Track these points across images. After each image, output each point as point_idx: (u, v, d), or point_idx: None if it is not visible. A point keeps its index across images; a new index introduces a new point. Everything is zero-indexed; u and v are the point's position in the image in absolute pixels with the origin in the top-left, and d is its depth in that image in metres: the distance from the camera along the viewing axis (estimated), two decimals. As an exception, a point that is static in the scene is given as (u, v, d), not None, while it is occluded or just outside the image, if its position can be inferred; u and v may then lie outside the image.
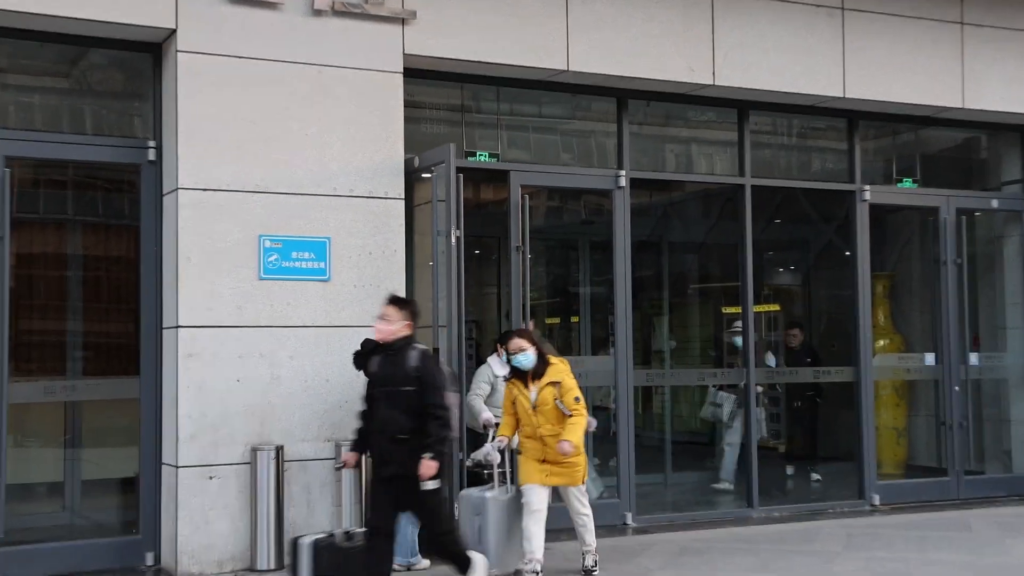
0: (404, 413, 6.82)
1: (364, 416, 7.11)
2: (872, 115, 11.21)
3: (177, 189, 8.00)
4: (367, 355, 8.06)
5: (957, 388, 11.46)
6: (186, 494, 7.88)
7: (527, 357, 7.77)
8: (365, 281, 8.53)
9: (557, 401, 7.69)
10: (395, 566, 7.97)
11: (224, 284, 8.07)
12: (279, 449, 8.04)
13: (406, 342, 6.98)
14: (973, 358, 11.72)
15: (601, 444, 11.04)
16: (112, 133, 8.87)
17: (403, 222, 8.72)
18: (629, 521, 9.84)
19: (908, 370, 12.04)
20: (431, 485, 6.79)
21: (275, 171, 8.28)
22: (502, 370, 8.56)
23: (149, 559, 8.22)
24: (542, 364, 7.81)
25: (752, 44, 10.08)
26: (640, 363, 11.74)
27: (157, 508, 8.22)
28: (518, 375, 7.86)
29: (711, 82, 9.95)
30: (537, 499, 7.71)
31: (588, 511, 8.04)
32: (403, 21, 8.75)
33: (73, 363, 9.76)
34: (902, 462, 12.68)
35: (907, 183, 11.62)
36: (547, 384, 7.75)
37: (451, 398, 7.00)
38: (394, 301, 7.15)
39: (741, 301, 10.72)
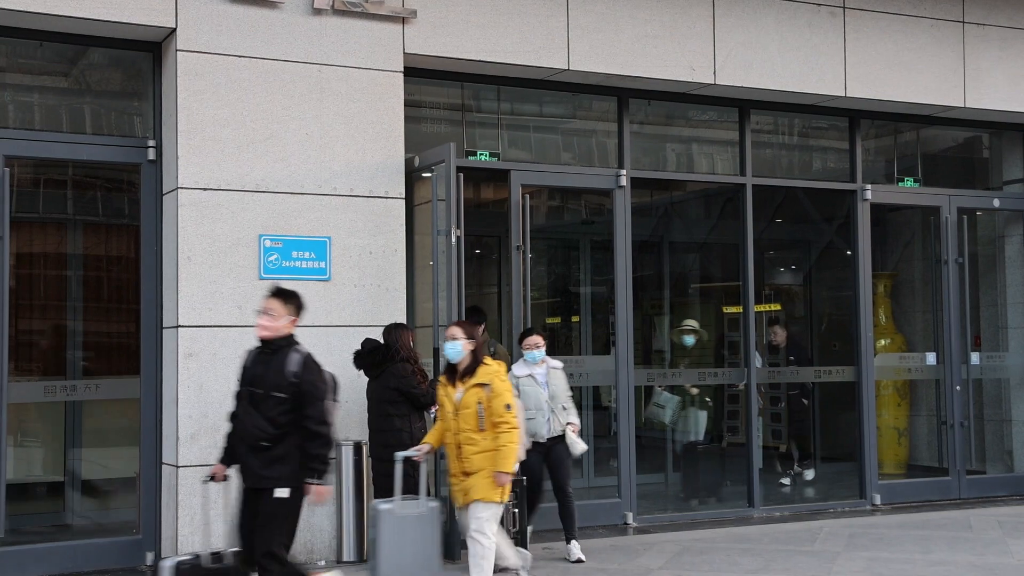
0: (270, 421, 6.06)
1: (233, 418, 6.40)
2: (873, 114, 11.21)
3: (177, 189, 7.99)
4: (368, 355, 8.07)
5: (958, 388, 11.45)
6: (186, 494, 7.86)
7: (454, 347, 6.90)
8: (366, 281, 8.51)
9: (480, 406, 6.77)
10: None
11: (224, 284, 8.06)
12: (279, 449, 8.01)
13: (287, 342, 6.19)
14: (974, 358, 11.72)
15: (602, 444, 11.04)
16: (112, 132, 8.86)
17: (404, 222, 8.71)
18: (630, 521, 9.83)
19: (909, 370, 12.03)
20: (282, 493, 6.06)
21: (275, 170, 8.27)
22: (521, 370, 8.44)
23: (149, 559, 8.21)
24: (474, 362, 6.90)
25: (753, 43, 10.07)
26: (641, 363, 11.73)
27: (157, 508, 8.20)
28: (449, 372, 7.04)
29: (712, 81, 9.94)
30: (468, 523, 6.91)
31: (486, 535, 6.79)
32: (403, 20, 8.74)
33: (73, 363, 9.77)
34: (903, 462, 12.67)
35: (908, 182, 11.60)
36: (474, 385, 6.83)
37: (331, 409, 6.29)
38: (279, 294, 6.28)
39: (742, 301, 10.71)
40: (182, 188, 7.99)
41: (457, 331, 6.96)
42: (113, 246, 10.42)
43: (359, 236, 8.51)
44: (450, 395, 6.96)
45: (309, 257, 8.34)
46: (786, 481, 12.22)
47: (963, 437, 11.42)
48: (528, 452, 8.39)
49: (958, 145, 12.58)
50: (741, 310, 10.83)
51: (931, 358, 11.68)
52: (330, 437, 6.14)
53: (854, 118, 11.13)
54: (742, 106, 10.62)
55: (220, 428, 7.92)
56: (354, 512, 8.31)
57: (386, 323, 8.31)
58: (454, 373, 6.97)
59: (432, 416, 8.35)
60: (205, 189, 8.05)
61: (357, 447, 8.32)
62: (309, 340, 8.15)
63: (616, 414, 10.08)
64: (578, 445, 8.48)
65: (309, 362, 6.15)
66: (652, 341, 13.81)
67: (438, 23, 8.88)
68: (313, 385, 6.09)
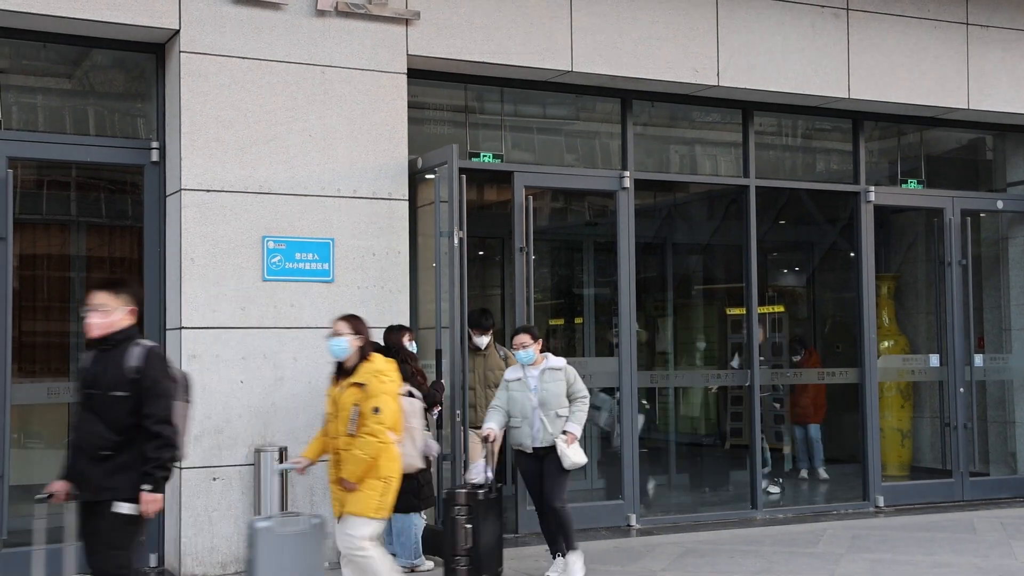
0: (110, 425, 5.33)
1: (74, 427, 5.66)
2: (877, 116, 11.20)
3: (180, 190, 7.99)
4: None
5: (962, 389, 11.44)
6: (190, 495, 7.87)
7: (340, 344, 6.37)
8: (369, 282, 8.52)
9: (355, 408, 6.20)
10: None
11: (227, 285, 8.06)
12: (283, 451, 8.03)
13: (126, 336, 5.47)
14: (978, 359, 11.71)
15: (607, 445, 11.02)
16: (115, 134, 8.87)
17: (407, 223, 8.72)
18: (633, 522, 9.82)
19: (913, 371, 12.02)
20: (125, 508, 5.32)
21: (278, 172, 8.27)
22: (512, 373, 7.95)
23: (152, 560, 8.21)
24: (359, 359, 6.35)
25: (757, 45, 10.06)
26: (644, 364, 11.72)
27: (161, 509, 8.19)
28: (337, 370, 6.50)
29: (715, 83, 9.94)
30: (340, 540, 6.29)
31: (366, 550, 6.20)
32: (407, 22, 8.74)
33: (76, 364, 9.76)
34: (906, 464, 12.67)
35: (912, 184, 11.60)
36: (352, 384, 6.28)
37: (180, 410, 5.51)
38: (107, 286, 5.57)
39: (745, 302, 10.71)
40: (185, 189, 7.99)
41: (343, 326, 6.41)
42: (116, 247, 10.43)
43: (362, 238, 8.51)
44: (332, 395, 6.45)
45: (312, 259, 8.34)
46: (774, 488, 11.71)
47: (966, 439, 11.41)
48: (521, 462, 7.95)
49: (962, 147, 12.57)
50: (744, 312, 10.83)
51: (934, 360, 11.66)
52: (173, 439, 5.40)
53: (857, 119, 11.13)
54: (745, 108, 10.62)
55: (223, 430, 7.98)
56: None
57: (389, 325, 8.32)
58: (341, 372, 6.43)
59: (435, 416, 8.36)
60: (208, 191, 8.05)
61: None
62: (313, 341, 8.23)
63: (619, 416, 10.07)
64: (568, 457, 7.67)
65: (153, 356, 5.45)
66: (655, 343, 13.81)
67: (441, 25, 8.88)
68: (155, 381, 5.37)
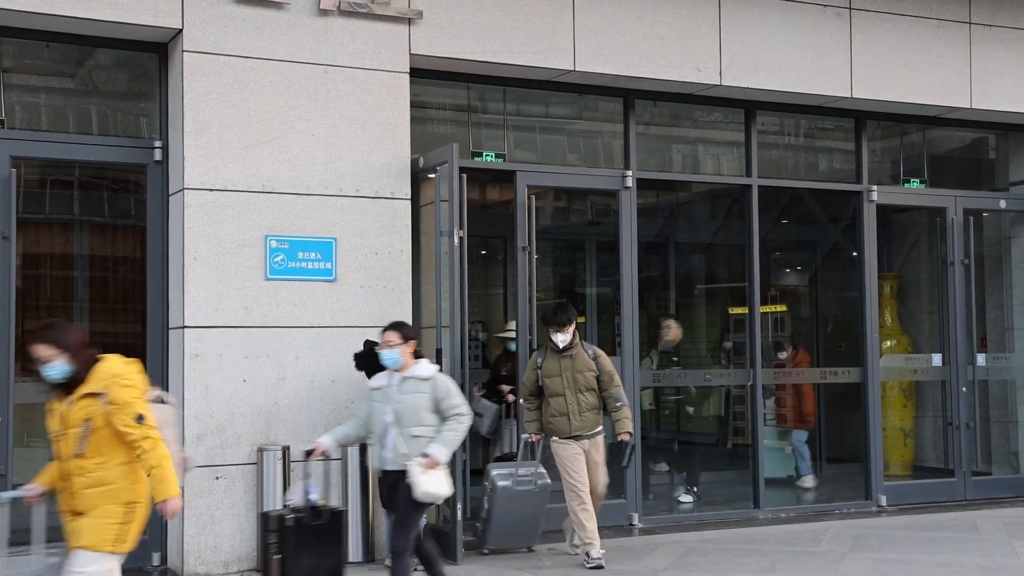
0: None
1: None
2: (880, 115, 11.20)
3: (183, 189, 8.00)
4: (365, 357, 8.05)
5: (964, 389, 11.44)
6: (192, 494, 7.87)
7: (54, 370, 5.10)
8: (372, 282, 8.52)
9: (86, 424, 5.01)
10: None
11: (230, 284, 8.07)
12: (285, 450, 8.04)
13: None
14: (980, 359, 11.69)
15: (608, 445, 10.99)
16: (118, 133, 8.88)
17: (409, 222, 8.72)
18: (635, 521, 9.82)
19: (915, 371, 12.02)
20: None
21: (281, 171, 8.28)
22: (377, 380, 6.78)
23: (155, 559, 8.23)
24: (85, 368, 5.08)
25: (759, 44, 10.06)
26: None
27: (163, 508, 8.20)
28: (59, 388, 5.17)
29: (718, 82, 9.94)
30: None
31: None
32: (409, 21, 8.75)
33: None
34: (909, 463, 12.66)
35: (914, 183, 11.60)
36: (84, 396, 5.03)
37: None
38: None
39: (748, 302, 10.71)
40: (188, 189, 8.00)
41: (45, 350, 5.09)
42: (119, 247, 10.44)
43: (365, 237, 8.52)
44: (58, 411, 5.16)
45: (315, 258, 8.35)
46: (686, 499, 11.24)
47: (969, 438, 11.40)
48: (380, 486, 6.99)
49: (964, 146, 12.57)
50: (747, 311, 10.83)
51: (937, 359, 11.66)
52: None
53: (860, 119, 11.12)
54: (748, 107, 10.62)
55: (227, 429, 8.00)
56: (360, 513, 8.32)
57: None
58: (65, 387, 5.14)
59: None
60: (211, 190, 8.06)
61: (362, 448, 8.32)
62: (315, 341, 8.24)
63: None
64: (420, 486, 6.27)
65: None
66: (658, 342, 13.79)
67: (444, 24, 8.89)
68: None
